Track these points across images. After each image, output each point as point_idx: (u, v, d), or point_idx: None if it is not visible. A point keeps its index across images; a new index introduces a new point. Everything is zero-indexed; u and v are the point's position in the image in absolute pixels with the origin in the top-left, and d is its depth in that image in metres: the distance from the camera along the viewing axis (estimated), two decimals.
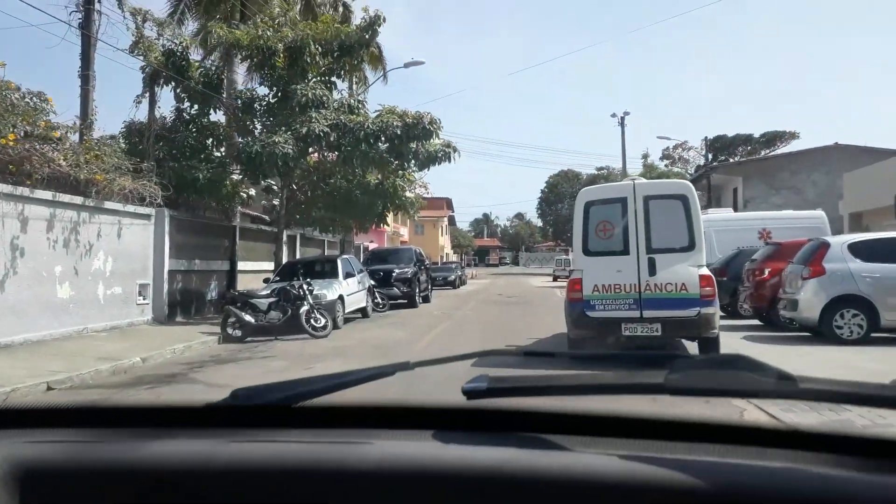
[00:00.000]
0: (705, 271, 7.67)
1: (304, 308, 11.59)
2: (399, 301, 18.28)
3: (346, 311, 13.88)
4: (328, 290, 12.80)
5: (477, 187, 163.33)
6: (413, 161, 14.90)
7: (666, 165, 44.04)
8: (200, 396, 1.87)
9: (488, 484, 0.85)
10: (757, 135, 42.50)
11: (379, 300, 17.02)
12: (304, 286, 11.86)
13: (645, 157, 40.15)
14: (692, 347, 8.37)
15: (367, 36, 14.44)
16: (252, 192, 19.05)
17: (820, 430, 0.93)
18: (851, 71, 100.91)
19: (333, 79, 15.41)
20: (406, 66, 21.41)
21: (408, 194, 15.86)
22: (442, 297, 24.87)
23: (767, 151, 38.90)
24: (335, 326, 12.62)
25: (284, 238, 20.20)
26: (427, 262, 21.67)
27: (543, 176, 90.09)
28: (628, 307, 7.59)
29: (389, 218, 42.20)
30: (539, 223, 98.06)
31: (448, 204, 66.93)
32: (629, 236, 7.72)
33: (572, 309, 7.89)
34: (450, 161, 15.31)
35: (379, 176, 15.00)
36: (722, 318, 8.65)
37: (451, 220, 74.29)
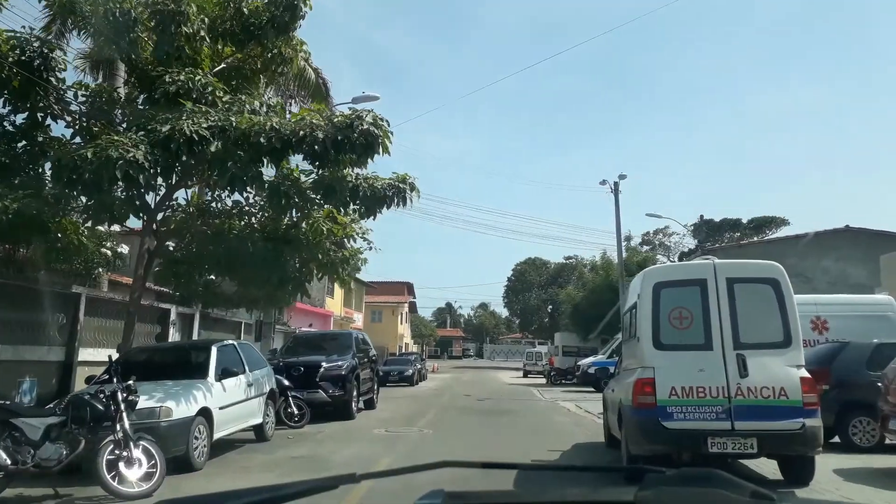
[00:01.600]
0: (806, 373, 6.49)
1: (110, 438, 6.03)
2: (328, 409, 12.59)
3: (226, 433, 8.31)
4: (176, 401, 7.24)
5: (440, 273, 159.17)
6: (349, 198, 9.88)
7: (647, 251, 40.17)
8: None
9: None
10: (745, 220, 39.31)
11: (294, 409, 11.39)
12: (120, 393, 6.32)
13: (628, 239, 36.07)
14: None
15: (282, 15, 9.70)
16: (125, 249, 13.55)
17: None
18: (829, 157, 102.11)
19: (241, 83, 10.48)
20: (355, 101, 16.85)
21: (343, 248, 10.47)
22: (393, 400, 19.15)
23: (759, 237, 35.32)
24: (190, 466, 7.03)
25: (173, 317, 14.55)
26: (373, 352, 16.06)
27: (510, 263, 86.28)
28: (716, 416, 6.30)
29: (337, 297, 35.58)
30: (505, 313, 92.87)
31: (409, 289, 61.62)
32: (711, 327, 6.57)
33: (642, 418, 6.46)
34: (405, 203, 10.32)
35: (296, 216, 9.69)
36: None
37: (413, 307, 68.65)
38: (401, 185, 10.32)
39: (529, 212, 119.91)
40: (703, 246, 29.27)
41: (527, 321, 73.81)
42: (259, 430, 9.64)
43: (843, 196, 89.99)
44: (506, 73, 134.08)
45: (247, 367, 9.18)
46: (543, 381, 39.29)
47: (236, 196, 9.94)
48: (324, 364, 12.60)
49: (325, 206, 9.13)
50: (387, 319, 56.41)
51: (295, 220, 9.51)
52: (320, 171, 9.97)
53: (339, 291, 35.28)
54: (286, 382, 11.54)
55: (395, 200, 10.35)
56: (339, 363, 12.81)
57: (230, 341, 9.98)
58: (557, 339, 37.33)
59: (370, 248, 10.60)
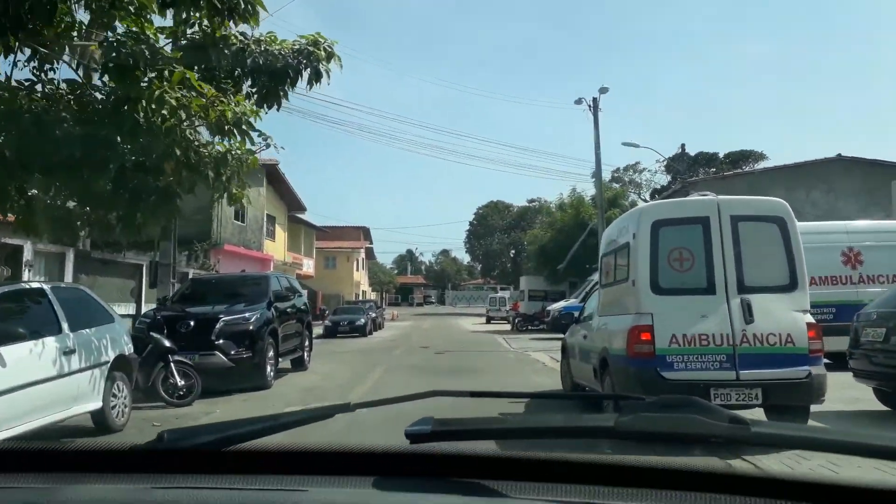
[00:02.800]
0: (811, 318, 6.11)
1: None
2: (234, 375, 9.33)
3: (8, 432, 5.01)
4: None
5: (399, 219, 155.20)
6: (233, 66, 6.49)
7: (619, 188, 37.47)
8: None
9: None
10: (722, 154, 36.80)
11: (177, 379, 8.15)
12: None
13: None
14: None
15: None
16: None
17: (773, 476, 0.90)
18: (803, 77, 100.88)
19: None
20: None
21: (229, 141, 6.83)
22: (335, 357, 16.09)
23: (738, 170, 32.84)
24: None
25: (28, 255, 10.94)
26: (302, 299, 12.75)
27: (472, 207, 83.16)
28: (719, 366, 5.89)
29: (280, 240, 32.03)
30: (467, 259, 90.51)
31: (365, 234, 58.04)
32: (714, 269, 6.13)
33: (639, 368, 6.00)
34: (318, 79, 6.92)
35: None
36: None
37: (370, 254, 65.20)
38: (312, 50, 6.87)
39: (497, 136, 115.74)
40: (683, 178, 26.59)
41: (489, 266, 71.32)
42: (99, 417, 6.38)
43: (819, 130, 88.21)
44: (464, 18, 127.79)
45: (64, 326, 5.82)
46: (508, 327, 36.90)
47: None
48: (223, 317, 9.27)
49: (177, 69, 5.61)
50: (341, 266, 52.99)
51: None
52: (184, 28, 6.48)
53: (281, 234, 31.64)
54: (166, 343, 8.25)
55: (305, 75, 6.95)
56: (246, 315, 9.47)
57: (27, 285, 6.54)
58: (523, 282, 34.66)
59: (267, 146, 7.20)
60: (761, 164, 35.89)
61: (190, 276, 14.19)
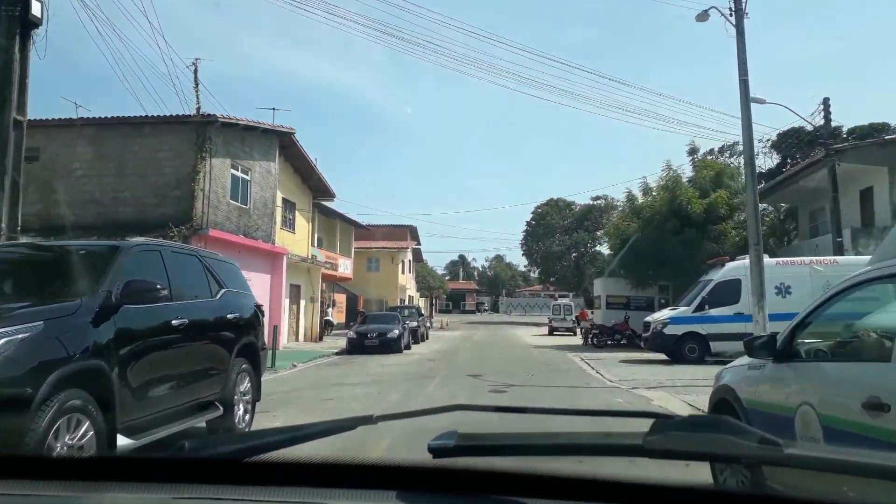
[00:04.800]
0: None
1: None
2: None
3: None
4: None
5: (452, 229, 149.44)
6: None
7: (727, 161, 30.34)
8: None
9: None
10: (847, 128, 29.24)
11: None
12: None
13: (693, 151, 26.14)
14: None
15: None
16: None
17: (802, 497, 0.87)
18: None
19: None
20: None
21: None
22: (317, 399, 10.21)
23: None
24: None
25: None
26: (248, 298, 6.71)
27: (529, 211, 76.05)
28: None
29: (302, 232, 26.93)
30: (523, 264, 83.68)
31: (412, 233, 52.27)
32: None
33: None
34: None
35: None
36: None
37: (418, 256, 59.46)
38: None
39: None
40: (828, 146, 19.50)
41: (548, 270, 64.21)
42: None
43: None
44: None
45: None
46: (576, 340, 30.32)
47: None
48: None
49: None
50: (385, 268, 47.40)
51: None
52: None
53: (304, 225, 26.10)
54: None
55: None
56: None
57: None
58: (598, 287, 28.02)
59: None
60: None
61: None
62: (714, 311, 16.39)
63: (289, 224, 24.52)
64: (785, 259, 17.44)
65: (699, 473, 3.08)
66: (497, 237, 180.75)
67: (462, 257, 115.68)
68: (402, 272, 49.71)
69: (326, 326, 30.86)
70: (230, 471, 0.98)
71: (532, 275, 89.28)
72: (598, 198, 61.61)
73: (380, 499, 0.90)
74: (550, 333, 37.61)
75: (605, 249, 39.32)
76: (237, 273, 6.78)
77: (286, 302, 23.61)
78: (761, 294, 12.02)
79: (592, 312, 35.90)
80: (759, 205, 15.15)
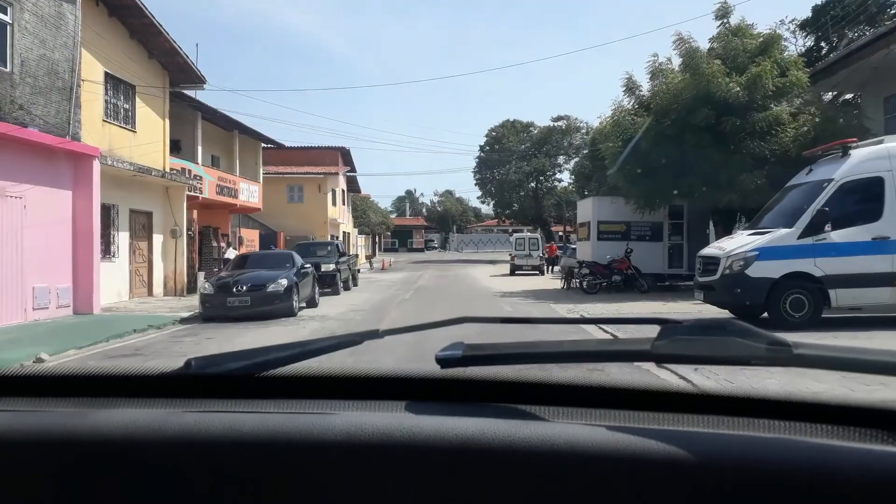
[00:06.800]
0: None
1: None
2: None
3: None
4: None
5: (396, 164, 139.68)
6: None
7: (762, 32, 22.32)
8: None
9: (463, 456, 0.82)
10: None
11: None
12: None
13: (724, 15, 18.27)
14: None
15: None
16: None
17: (814, 400, 0.86)
18: None
19: None
20: None
21: None
22: None
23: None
24: None
25: None
26: None
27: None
28: None
29: (154, 126, 17.45)
30: (475, 197, 75.59)
31: (344, 157, 43.39)
32: None
33: None
34: None
35: None
36: None
37: (354, 185, 50.60)
38: None
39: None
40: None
41: (504, 202, 56.46)
42: None
43: None
44: None
45: None
46: (549, 282, 23.16)
47: None
48: None
49: None
50: (312, 199, 38.83)
51: None
52: None
53: (155, 122, 17.20)
54: None
55: None
56: None
57: None
58: (587, 209, 20.44)
59: None
60: None
61: None
62: (836, 236, 9.13)
63: (123, 116, 15.76)
64: None
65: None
66: (448, 168, 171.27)
67: (409, 192, 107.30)
68: (334, 203, 41.24)
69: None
70: (239, 386, 0.97)
71: (486, 208, 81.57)
72: (559, 118, 54.12)
73: (390, 409, 0.91)
74: (512, 273, 30.46)
75: (566, 178, 31.77)
76: None
77: (120, 236, 15.27)
78: None
79: (565, 246, 28.87)
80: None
